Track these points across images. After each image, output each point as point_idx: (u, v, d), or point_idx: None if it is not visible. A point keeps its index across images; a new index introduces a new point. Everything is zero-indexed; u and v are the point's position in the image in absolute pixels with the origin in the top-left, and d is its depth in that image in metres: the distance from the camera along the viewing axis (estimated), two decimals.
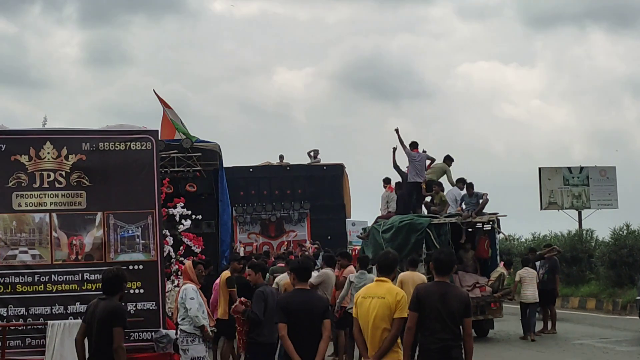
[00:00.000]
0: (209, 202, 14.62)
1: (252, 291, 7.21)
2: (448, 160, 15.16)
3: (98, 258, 7.48)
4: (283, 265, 12.79)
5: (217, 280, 10.63)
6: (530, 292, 13.83)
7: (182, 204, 12.45)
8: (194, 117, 54.77)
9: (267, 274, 13.12)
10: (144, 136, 7.78)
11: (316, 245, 19.48)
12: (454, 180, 14.97)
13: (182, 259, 12.11)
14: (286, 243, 21.48)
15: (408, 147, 15.00)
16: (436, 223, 13.60)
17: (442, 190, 14.71)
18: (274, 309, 6.06)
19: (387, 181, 15.90)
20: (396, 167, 15.37)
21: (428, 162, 15.19)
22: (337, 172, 23.85)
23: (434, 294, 5.28)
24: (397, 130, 14.79)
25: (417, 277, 10.36)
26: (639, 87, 54.19)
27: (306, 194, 23.31)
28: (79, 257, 7.47)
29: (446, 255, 5.46)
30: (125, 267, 6.69)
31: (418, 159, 14.95)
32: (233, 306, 7.44)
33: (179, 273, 11.44)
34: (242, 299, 7.39)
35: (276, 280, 10.80)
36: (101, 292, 5.66)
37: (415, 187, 14.90)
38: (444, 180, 15.03)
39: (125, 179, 7.63)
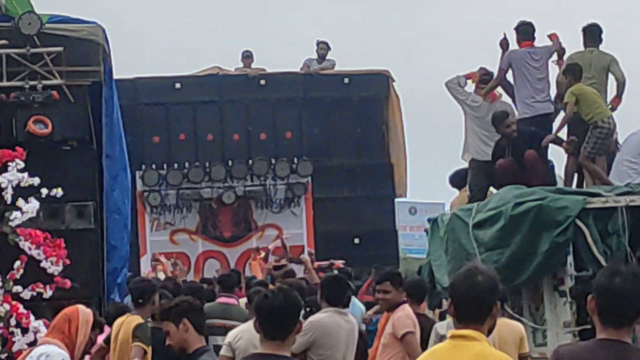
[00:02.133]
0: (82, 159, 14.70)
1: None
2: (593, 38, 15.19)
3: None
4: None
5: (104, 335, 10.74)
6: None
7: (20, 164, 12.53)
8: None
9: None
10: None
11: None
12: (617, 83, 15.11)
13: (19, 288, 12.21)
14: (255, 252, 21.61)
15: (511, 43, 15.58)
16: (599, 208, 13.61)
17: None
18: None
19: (487, 78, 16.07)
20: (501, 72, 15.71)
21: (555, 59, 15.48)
22: (374, 92, 24.11)
23: None
24: None
25: (515, 328, 10.96)
26: None
27: (304, 143, 23.60)
28: None
29: (627, 282, 5.53)
30: None
31: (536, 62, 15.13)
32: None
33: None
34: None
35: (227, 339, 11.01)
36: None
37: (534, 128, 15.06)
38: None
39: None
